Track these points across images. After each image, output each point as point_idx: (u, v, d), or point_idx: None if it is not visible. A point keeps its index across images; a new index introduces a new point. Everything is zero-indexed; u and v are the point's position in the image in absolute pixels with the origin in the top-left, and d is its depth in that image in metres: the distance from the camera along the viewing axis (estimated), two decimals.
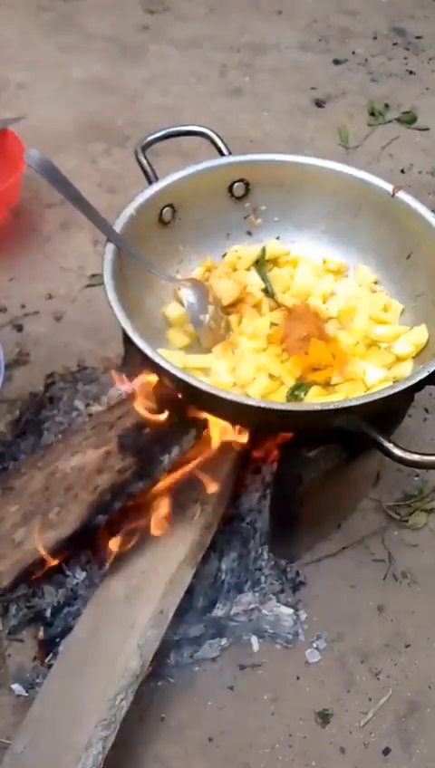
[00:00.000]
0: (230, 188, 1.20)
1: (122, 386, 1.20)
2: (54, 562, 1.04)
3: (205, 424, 1.10)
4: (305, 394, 1.03)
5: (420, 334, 1.08)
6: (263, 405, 0.93)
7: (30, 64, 2.27)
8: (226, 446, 1.10)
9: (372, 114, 2.17)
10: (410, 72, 2.35)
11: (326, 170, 1.19)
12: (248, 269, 1.20)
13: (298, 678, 1.10)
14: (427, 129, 2.13)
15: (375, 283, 1.19)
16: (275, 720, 1.06)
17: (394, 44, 2.47)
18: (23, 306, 1.58)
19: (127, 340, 0.99)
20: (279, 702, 1.08)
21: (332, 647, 1.13)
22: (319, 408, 0.91)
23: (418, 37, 2.50)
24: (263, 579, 1.17)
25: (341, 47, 2.44)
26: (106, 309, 0.97)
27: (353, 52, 2.42)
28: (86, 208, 1.03)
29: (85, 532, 1.04)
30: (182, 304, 1.12)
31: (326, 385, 1.05)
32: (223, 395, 0.90)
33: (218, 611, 1.12)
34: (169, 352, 1.07)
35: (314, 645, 1.13)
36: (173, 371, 0.92)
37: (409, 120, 2.15)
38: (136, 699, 0.96)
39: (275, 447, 1.15)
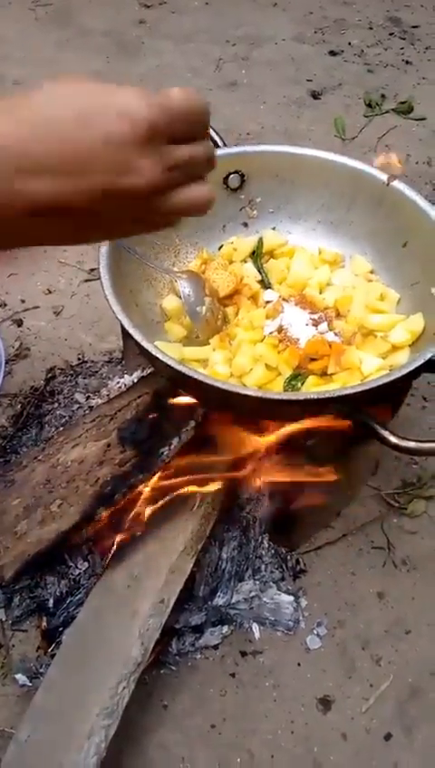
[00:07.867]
0: (225, 180, 1.21)
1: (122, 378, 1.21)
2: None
3: (204, 415, 1.10)
4: (302, 384, 1.04)
5: (416, 323, 1.08)
6: (260, 395, 0.94)
7: (26, 60, 2.27)
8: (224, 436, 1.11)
9: (369, 105, 2.17)
10: (407, 62, 2.35)
11: (321, 161, 1.19)
12: (244, 260, 1.21)
13: (299, 665, 1.11)
14: (423, 119, 2.13)
15: (371, 272, 1.20)
16: (277, 707, 1.08)
17: (390, 35, 2.46)
18: (22, 301, 1.59)
19: (125, 333, 1.00)
20: (281, 689, 1.09)
21: (332, 633, 1.14)
22: (315, 397, 0.91)
23: (414, 27, 2.50)
24: (263, 567, 1.18)
25: (337, 38, 2.44)
26: (105, 303, 0.98)
27: (349, 43, 2.42)
28: None
29: (87, 523, 1.05)
30: (179, 297, 1.13)
31: (323, 375, 1.06)
32: (220, 385, 0.91)
33: (219, 600, 1.13)
34: (166, 344, 1.08)
35: (315, 632, 1.14)
36: (170, 363, 0.93)
37: (405, 110, 2.15)
38: (138, 687, 0.96)
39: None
